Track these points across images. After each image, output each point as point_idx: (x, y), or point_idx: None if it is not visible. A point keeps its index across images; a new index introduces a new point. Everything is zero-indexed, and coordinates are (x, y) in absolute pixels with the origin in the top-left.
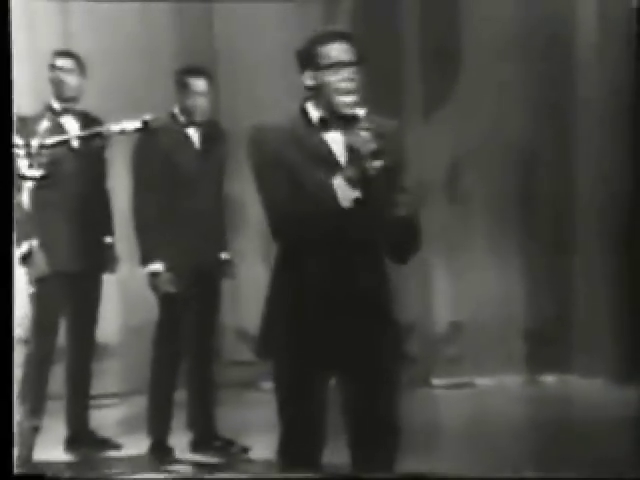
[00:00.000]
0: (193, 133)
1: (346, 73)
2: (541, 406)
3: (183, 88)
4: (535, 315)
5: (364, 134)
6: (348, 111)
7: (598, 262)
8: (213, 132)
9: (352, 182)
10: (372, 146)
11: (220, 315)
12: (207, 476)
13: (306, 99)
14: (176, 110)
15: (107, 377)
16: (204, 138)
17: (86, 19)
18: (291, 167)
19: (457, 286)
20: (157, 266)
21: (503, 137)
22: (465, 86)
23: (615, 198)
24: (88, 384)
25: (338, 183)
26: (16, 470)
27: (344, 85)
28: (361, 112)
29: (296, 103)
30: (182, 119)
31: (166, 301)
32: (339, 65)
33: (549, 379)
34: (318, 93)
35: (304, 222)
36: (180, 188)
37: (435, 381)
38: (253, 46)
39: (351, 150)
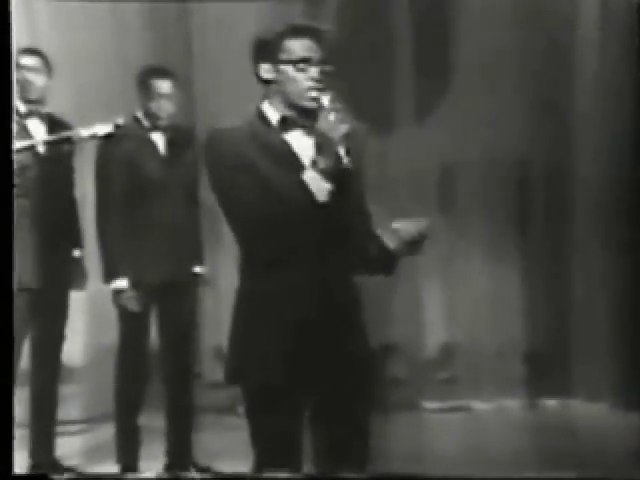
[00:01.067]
0: (158, 138)
1: (312, 71)
2: (542, 432)
3: (146, 90)
4: (534, 335)
5: (332, 117)
6: (312, 105)
7: (601, 281)
8: (180, 137)
9: (326, 173)
10: (344, 128)
11: (197, 334)
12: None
13: (262, 99)
14: (139, 114)
15: (74, 402)
16: (170, 143)
17: (53, 16)
18: (253, 169)
19: (449, 303)
20: (121, 282)
21: (499, 143)
22: (459, 90)
23: (620, 210)
24: (53, 409)
25: (310, 176)
26: None
27: (309, 84)
28: (326, 101)
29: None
30: (146, 123)
31: (130, 320)
32: (304, 62)
33: (550, 403)
34: (277, 89)
35: (274, 226)
36: (146, 197)
37: (427, 404)
38: (230, 46)
39: (320, 137)
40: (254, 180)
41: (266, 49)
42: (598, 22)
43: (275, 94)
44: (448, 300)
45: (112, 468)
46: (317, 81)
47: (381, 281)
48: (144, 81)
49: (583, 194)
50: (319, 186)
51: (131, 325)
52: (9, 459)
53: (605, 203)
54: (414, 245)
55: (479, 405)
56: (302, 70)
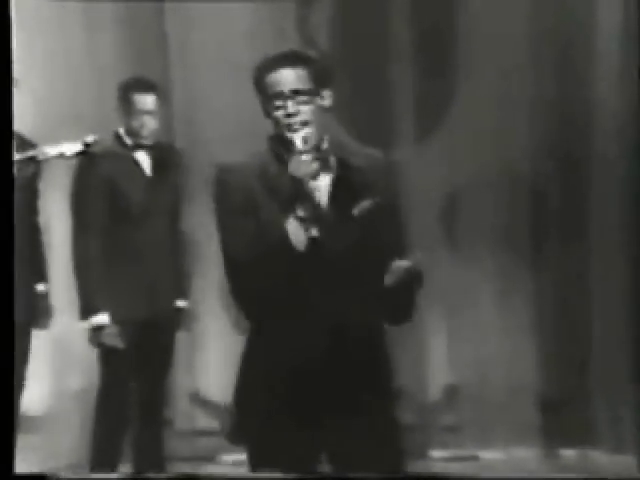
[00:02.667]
0: (142, 158)
1: (289, 106)
2: None
3: (128, 105)
4: (550, 377)
5: (303, 157)
6: (294, 138)
7: (625, 318)
8: (167, 156)
9: (305, 220)
10: (313, 168)
11: (173, 375)
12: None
13: (279, 128)
14: (121, 131)
15: (34, 454)
16: (156, 163)
17: (17, 21)
18: (256, 212)
19: (455, 342)
20: (101, 318)
21: (508, 165)
22: (463, 107)
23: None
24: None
25: (292, 224)
26: None
27: (287, 121)
28: (297, 140)
29: (265, 125)
30: (128, 141)
31: (112, 359)
32: (279, 97)
33: (568, 454)
34: (273, 128)
35: (267, 277)
36: (128, 224)
37: (433, 453)
38: (214, 58)
39: (293, 182)
40: (254, 225)
41: (258, 87)
42: (617, 31)
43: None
44: (453, 337)
45: None
46: (291, 116)
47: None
48: (125, 95)
49: (602, 222)
50: (298, 236)
51: (114, 365)
52: (9, 459)
53: (628, 231)
54: (408, 282)
55: (488, 454)
56: (279, 107)
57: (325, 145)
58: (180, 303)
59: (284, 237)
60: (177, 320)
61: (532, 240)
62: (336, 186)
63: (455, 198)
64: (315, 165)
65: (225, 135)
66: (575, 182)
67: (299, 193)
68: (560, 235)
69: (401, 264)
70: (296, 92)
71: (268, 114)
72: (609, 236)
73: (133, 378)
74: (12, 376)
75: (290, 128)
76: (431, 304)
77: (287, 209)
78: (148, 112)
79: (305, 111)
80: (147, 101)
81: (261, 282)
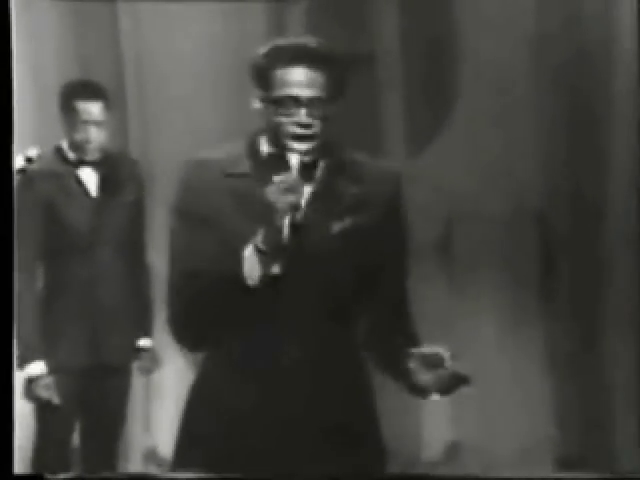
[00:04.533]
0: (87, 176)
1: (302, 115)
2: None
3: (71, 115)
4: (565, 435)
5: (289, 185)
6: (292, 158)
7: None
8: (118, 174)
9: (265, 254)
10: (292, 198)
11: (126, 430)
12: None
13: (260, 130)
14: (64, 145)
15: None
16: (103, 182)
17: None
18: (218, 224)
19: (456, 393)
20: (37, 367)
21: (511, 185)
22: (460, 121)
23: None
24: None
25: (248, 253)
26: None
27: (294, 131)
28: (294, 159)
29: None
30: (71, 156)
31: (47, 415)
32: (293, 102)
33: None
34: (268, 125)
35: (207, 307)
36: (71, 253)
37: None
38: (175, 60)
39: (267, 207)
40: (211, 240)
41: (258, 75)
42: (636, 45)
43: (269, 131)
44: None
45: None
46: (302, 127)
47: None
48: (67, 103)
49: (620, 252)
50: (251, 268)
51: (50, 423)
52: (9, 459)
53: None
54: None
55: None
56: (288, 112)
57: (319, 173)
58: (143, 342)
59: (236, 266)
60: (131, 365)
61: (541, 274)
62: (316, 200)
63: (452, 219)
64: (299, 195)
65: (189, 146)
66: (585, 209)
67: (267, 222)
68: (572, 268)
69: (444, 372)
70: (313, 101)
71: (266, 112)
72: (630, 269)
73: (79, 433)
74: (12, 375)
75: (295, 138)
76: (426, 345)
77: (250, 232)
78: (94, 122)
79: (317, 125)
80: (93, 110)
81: (202, 311)
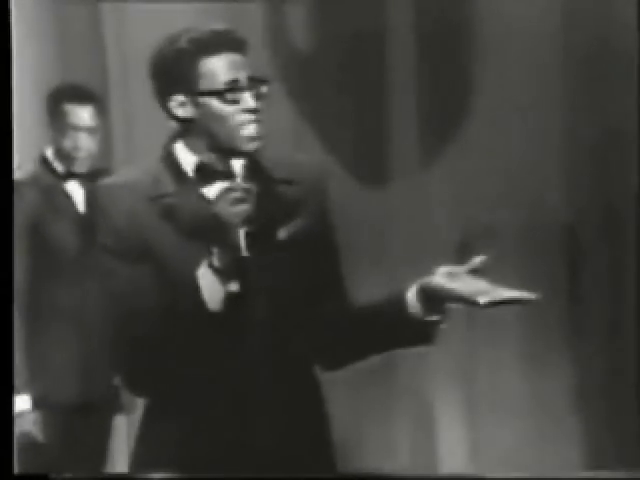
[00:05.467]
0: (75, 189)
1: (246, 100)
2: None
3: (58, 120)
4: (594, 464)
5: (239, 194)
6: (249, 147)
7: None
8: None
9: (223, 272)
10: (242, 209)
11: (107, 470)
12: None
13: (174, 138)
14: (49, 153)
15: None
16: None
17: None
18: (147, 251)
19: (470, 423)
20: (21, 401)
21: (532, 204)
22: (476, 133)
23: None
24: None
25: (203, 274)
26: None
27: (243, 118)
28: (237, 164)
29: None
30: (58, 167)
31: (31, 452)
32: (234, 86)
33: None
34: (198, 130)
35: (163, 346)
36: (59, 277)
37: None
38: None
39: (216, 220)
40: (145, 270)
41: (171, 76)
42: None
43: (196, 135)
44: (468, 418)
45: None
46: (253, 112)
47: (375, 391)
48: (55, 107)
49: None
50: (211, 290)
51: (31, 460)
52: (9, 459)
53: None
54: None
55: None
56: (230, 100)
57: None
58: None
59: (194, 292)
60: (117, 401)
61: (567, 297)
62: (260, 205)
63: (467, 242)
64: (251, 205)
65: None
66: (614, 221)
67: (218, 237)
68: (599, 286)
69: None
70: (253, 80)
71: (200, 113)
72: None
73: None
74: (12, 376)
75: (244, 128)
76: (440, 373)
77: (198, 251)
78: (84, 128)
79: (262, 109)
80: (83, 115)
81: (159, 352)
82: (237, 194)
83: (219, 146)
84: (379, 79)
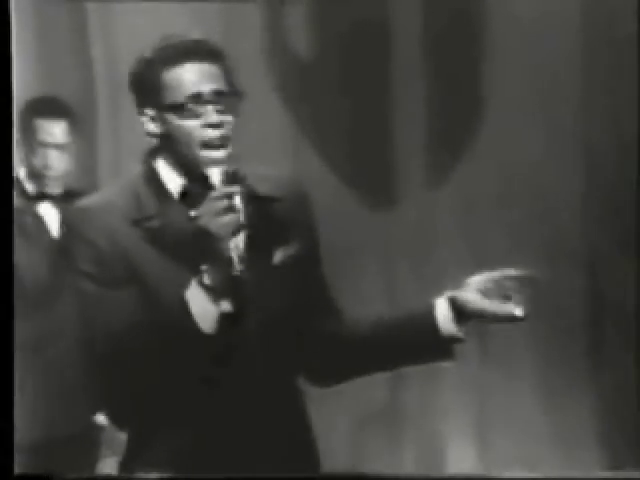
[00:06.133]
0: (47, 212)
1: (208, 114)
2: None
3: (29, 137)
4: None
5: (223, 203)
6: (212, 174)
7: None
8: None
9: (215, 291)
10: (231, 220)
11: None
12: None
13: (154, 154)
14: (21, 174)
15: None
16: None
17: None
18: (133, 277)
19: (483, 430)
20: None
21: (551, 225)
22: (489, 146)
23: None
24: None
25: (194, 294)
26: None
27: (206, 134)
28: (215, 174)
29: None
30: (29, 188)
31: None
32: (197, 100)
33: None
34: (169, 145)
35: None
36: (31, 306)
37: None
38: None
39: (202, 234)
40: (132, 295)
41: (142, 88)
42: None
43: (166, 150)
44: (480, 419)
45: None
46: (215, 127)
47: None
48: (26, 123)
49: None
50: (204, 310)
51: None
52: (9, 459)
53: None
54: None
55: None
56: (192, 115)
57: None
58: (95, 419)
59: (184, 314)
60: (100, 439)
61: (588, 330)
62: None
63: (478, 259)
64: (236, 214)
65: None
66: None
67: (208, 253)
68: (621, 323)
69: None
70: (219, 94)
71: (166, 128)
72: None
73: None
74: (12, 375)
75: (208, 145)
76: (450, 409)
77: (186, 272)
78: (55, 145)
79: (229, 123)
80: (55, 130)
81: (149, 381)
82: (221, 203)
83: (185, 169)
84: (384, 89)
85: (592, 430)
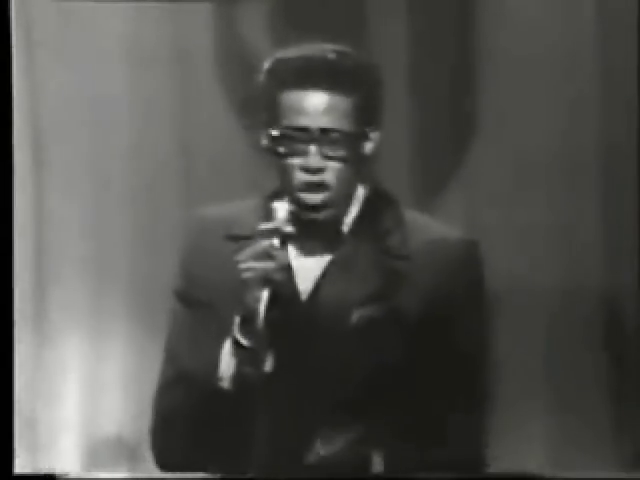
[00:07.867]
0: None
1: (312, 157)
2: None
3: None
4: None
5: (262, 246)
6: (278, 209)
7: None
8: None
9: (244, 349)
10: (264, 265)
11: None
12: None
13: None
14: None
15: None
16: None
17: None
18: (212, 315)
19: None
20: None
21: (563, 255)
22: (485, 159)
23: None
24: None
25: (225, 352)
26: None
27: (300, 178)
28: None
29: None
30: None
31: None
32: (299, 137)
33: None
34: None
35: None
36: None
37: None
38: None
39: (244, 290)
40: (203, 335)
41: (263, 101)
42: None
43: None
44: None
45: None
46: (310, 172)
47: None
48: None
49: None
50: (227, 368)
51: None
52: (9, 459)
53: None
54: None
55: None
56: (296, 153)
57: (345, 227)
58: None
59: (213, 367)
60: None
61: (605, 370)
62: (331, 275)
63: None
64: (276, 262)
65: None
66: None
67: (240, 302)
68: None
69: None
70: (328, 134)
71: (266, 146)
72: None
73: None
74: (12, 376)
75: (300, 188)
76: None
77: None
78: None
79: (331, 169)
80: None
81: (177, 424)
82: (263, 245)
83: (292, 204)
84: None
85: (606, 430)
